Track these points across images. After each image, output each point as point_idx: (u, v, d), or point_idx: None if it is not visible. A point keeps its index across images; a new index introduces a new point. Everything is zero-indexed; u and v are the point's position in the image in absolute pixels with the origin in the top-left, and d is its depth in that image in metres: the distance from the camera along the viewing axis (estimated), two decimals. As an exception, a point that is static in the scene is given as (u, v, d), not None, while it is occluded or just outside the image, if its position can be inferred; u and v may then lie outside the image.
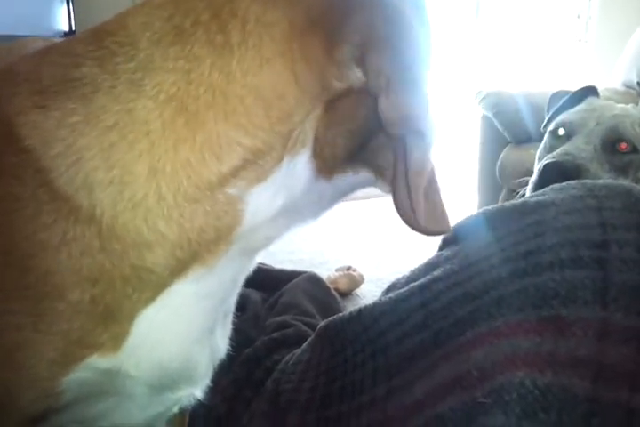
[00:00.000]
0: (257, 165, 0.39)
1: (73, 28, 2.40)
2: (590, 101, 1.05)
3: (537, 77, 3.24)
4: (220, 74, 0.37)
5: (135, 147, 0.37)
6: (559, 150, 0.92)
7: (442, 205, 0.43)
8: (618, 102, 2.41)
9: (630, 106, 1.02)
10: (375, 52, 0.37)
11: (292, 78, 0.38)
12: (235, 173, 0.38)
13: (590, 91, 1.10)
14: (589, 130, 0.94)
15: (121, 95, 0.37)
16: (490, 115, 2.09)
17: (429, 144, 0.40)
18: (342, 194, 0.48)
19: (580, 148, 0.90)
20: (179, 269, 0.40)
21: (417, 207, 0.41)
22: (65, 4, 2.37)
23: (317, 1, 0.38)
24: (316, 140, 0.41)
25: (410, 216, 0.41)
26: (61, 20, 2.39)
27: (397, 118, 0.38)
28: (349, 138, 0.42)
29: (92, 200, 0.37)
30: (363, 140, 0.43)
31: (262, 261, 1.21)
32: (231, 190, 0.39)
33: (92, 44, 0.39)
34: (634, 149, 0.91)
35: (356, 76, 0.38)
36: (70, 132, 0.37)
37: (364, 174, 0.46)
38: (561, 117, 1.03)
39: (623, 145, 0.91)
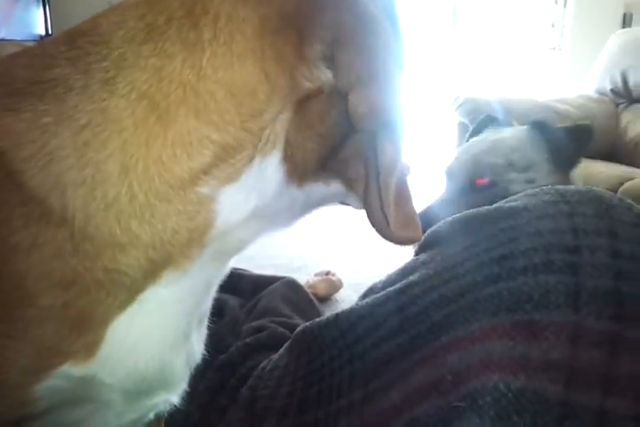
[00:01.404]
0: (228, 163, 0.39)
1: (50, 32, 2.38)
2: (472, 141, 1.03)
3: (513, 84, 3.28)
4: (191, 70, 0.37)
5: (108, 145, 0.37)
6: (432, 202, 0.96)
7: (413, 213, 0.44)
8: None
9: (509, 131, 1.00)
10: (345, 47, 0.38)
11: (263, 75, 0.38)
12: (206, 169, 0.38)
13: (489, 121, 1.07)
14: (454, 175, 0.97)
15: (94, 94, 0.37)
16: (466, 121, 2.11)
17: (400, 139, 0.40)
18: (314, 204, 0.48)
19: (444, 197, 0.95)
20: (152, 271, 0.40)
21: (387, 210, 0.41)
22: (42, 8, 2.35)
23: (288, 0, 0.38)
24: (287, 143, 0.41)
25: (381, 222, 0.42)
26: (38, 24, 2.36)
27: (367, 112, 0.39)
28: (320, 143, 0.42)
29: (64, 201, 0.36)
30: (333, 146, 0.43)
31: (241, 266, 1.20)
32: (203, 189, 0.39)
33: (65, 45, 0.39)
34: (493, 184, 0.90)
35: (326, 76, 0.39)
36: (42, 133, 0.37)
37: (336, 186, 0.46)
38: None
39: (480, 180, 0.91)
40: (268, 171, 0.41)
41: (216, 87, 0.38)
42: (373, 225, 0.43)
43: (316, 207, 0.49)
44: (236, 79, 0.38)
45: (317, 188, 0.45)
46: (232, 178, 0.39)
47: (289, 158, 0.41)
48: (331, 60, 0.38)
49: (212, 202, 0.39)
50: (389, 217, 0.41)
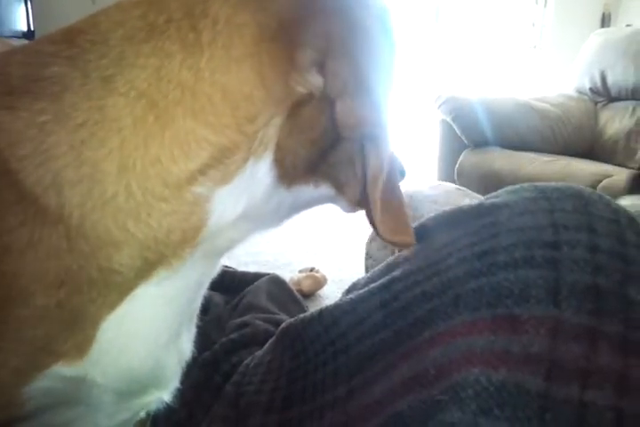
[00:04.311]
0: (223, 164, 0.39)
1: (32, 28, 2.34)
2: None
3: (494, 82, 3.31)
4: (189, 71, 0.38)
5: (106, 144, 0.37)
6: None
7: (403, 218, 0.45)
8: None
9: None
10: (334, 56, 0.38)
11: (259, 80, 0.38)
12: (203, 170, 0.39)
13: None
14: None
15: (92, 93, 0.37)
16: (448, 119, 2.13)
17: (383, 150, 0.41)
18: (302, 206, 0.49)
19: None
20: (144, 271, 0.40)
21: (375, 216, 0.42)
22: (23, 4, 2.31)
23: (284, 7, 0.39)
24: (279, 147, 0.41)
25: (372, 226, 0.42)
26: (20, 20, 2.33)
27: (351, 122, 0.39)
28: (309, 148, 0.43)
29: (60, 199, 0.36)
30: (322, 152, 0.44)
31: (226, 264, 1.20)
32: (199, 189, 0.39)
33: (63, 43, 0.38)
34: None
35: (317, 82, 0.39)
36: (39, 131, 0.36)
37: (325, 189, 0.47)
38: None
39: None
40: (259, 174, 0.41)
41: (213, 90, 0.38)
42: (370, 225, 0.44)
43: (304, 208, 0.50)
44: (232, 83, 0.38)
45: (306, 190, 0.46)
46: (226, 180, 0.40)
47: (279, 162, 0.42)
48: (321, 66, 0.38)
49: (206, 202, 0.40)
50: (377, 222, 0.42)
